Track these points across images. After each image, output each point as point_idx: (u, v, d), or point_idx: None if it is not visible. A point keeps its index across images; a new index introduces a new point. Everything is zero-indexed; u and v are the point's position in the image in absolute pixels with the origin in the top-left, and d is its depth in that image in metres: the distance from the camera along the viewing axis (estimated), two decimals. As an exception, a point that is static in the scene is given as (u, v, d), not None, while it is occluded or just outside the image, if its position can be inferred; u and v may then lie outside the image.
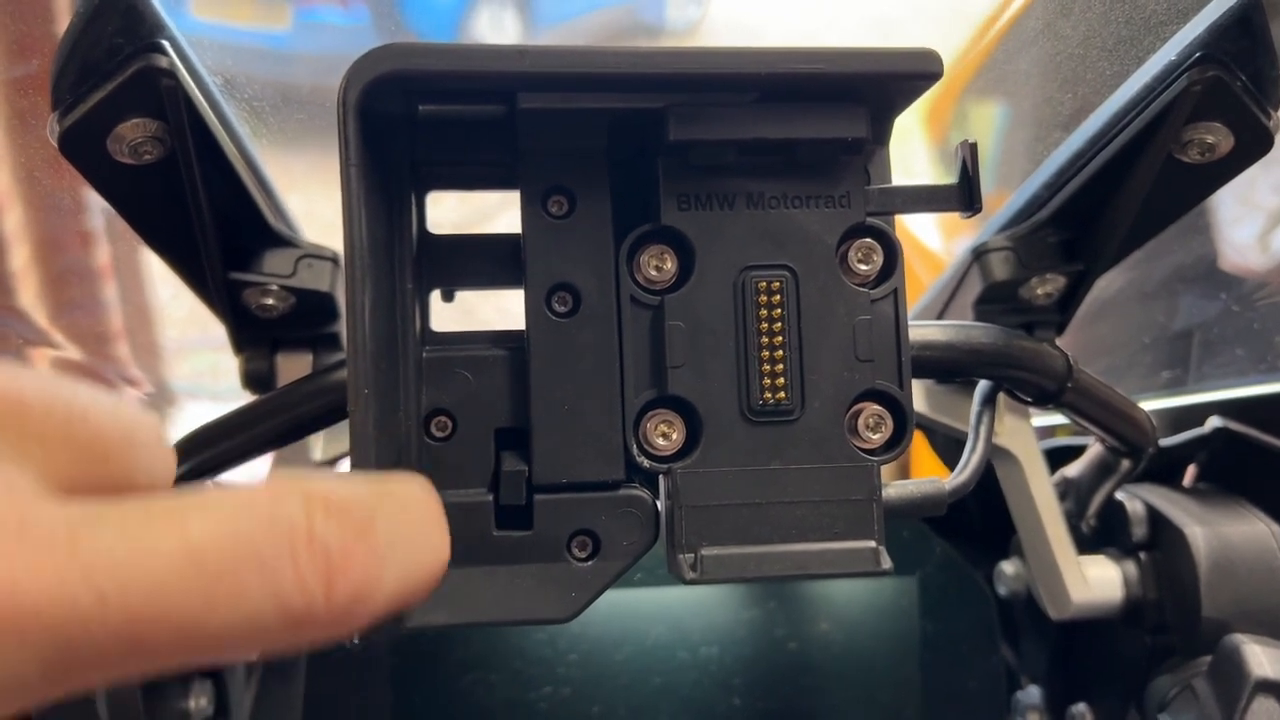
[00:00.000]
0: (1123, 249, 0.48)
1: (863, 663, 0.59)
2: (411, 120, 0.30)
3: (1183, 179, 0.44)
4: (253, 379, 0.48)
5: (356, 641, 0.26)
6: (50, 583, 0.16)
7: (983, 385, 0.44)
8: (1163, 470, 0.55)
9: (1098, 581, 0.51)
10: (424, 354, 0.30)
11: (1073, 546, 0.51)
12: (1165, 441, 0.55)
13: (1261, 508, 0.51)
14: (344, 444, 0.49)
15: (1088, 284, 0.49)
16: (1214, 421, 0.55)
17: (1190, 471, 0.57)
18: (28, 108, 0.50)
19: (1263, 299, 0.73)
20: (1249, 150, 0.42)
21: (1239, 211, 0.77)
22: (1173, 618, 0.50)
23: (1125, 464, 0.52)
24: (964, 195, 0.31)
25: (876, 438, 0.31)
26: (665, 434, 0.30)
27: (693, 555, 0.30)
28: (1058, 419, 0.66)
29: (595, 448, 0.30)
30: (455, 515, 0.28)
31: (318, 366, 0.48)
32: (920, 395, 0.51)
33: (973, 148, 0.31)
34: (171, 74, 0.35)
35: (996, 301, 0.50)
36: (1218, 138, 0.42)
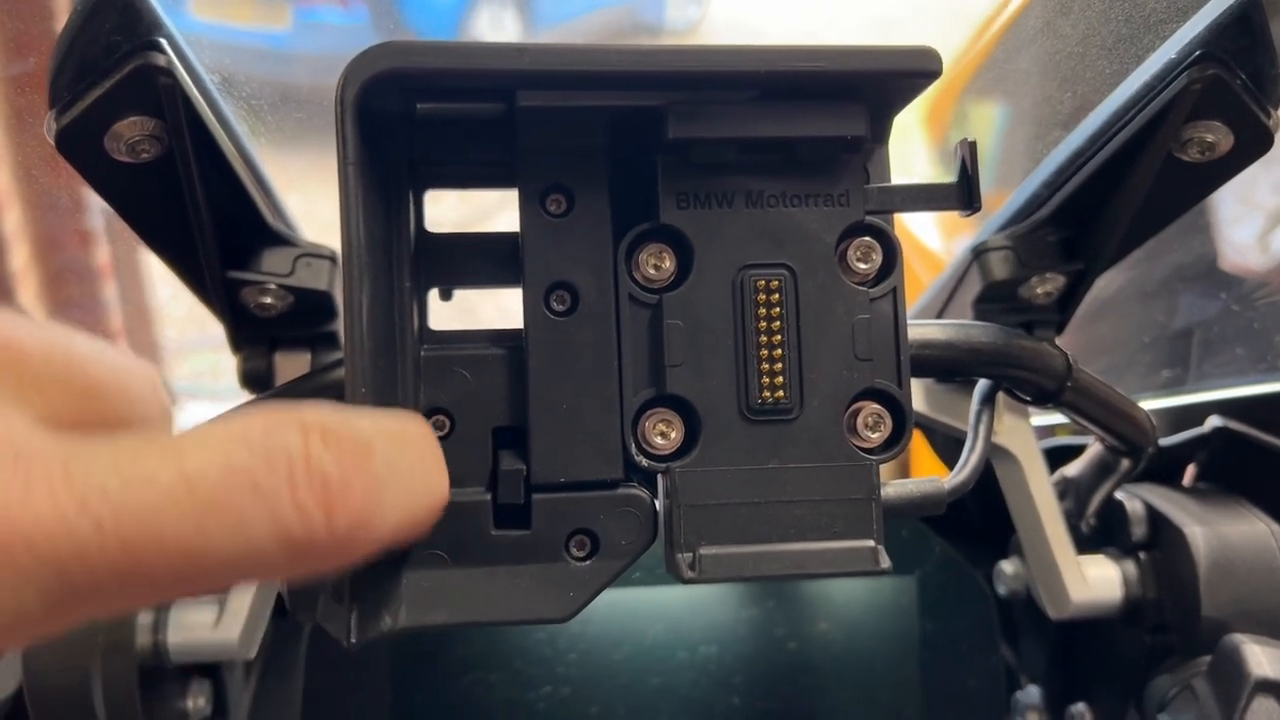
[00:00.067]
0: (1122, 248, 0.48)
1: (862, 662, 0.59)
2: (410, 118, 0.30)
3: (1182, 178, 0.44)
4: (251, 378, 0.48)
5: (354, 641, 0.26)
6: (46, 512, 0.16)
7: (982, 384, 0.44)
8: (1162, 470, 0.55)
9: (1097, 581, 0.51)
10: (422, 353, 0.30)
11: (1072, 546, 0.51)
12: (1165, 441, 0.55)
13: (1261, 507, 0.51)
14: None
15: (1087, 283, 0.48)
16: (1214, 421, 0.55)
17: (1190, 471, 0.57)
18: (25, 106, 0.50)
19: (1262, 298, 0.73)
20: (1249, 149, 0.42)
21: (1239, 211, 0.77)
22: (1172, 617, 0.50)
23: (1125, 463, 0.52)
24: (963, 194, 0.31)
25: (875, 437, 0.31)
26: (664, 433, 0.30)
27: (691, 554, 0.30)
28: (1057, 418, 0.66)
29: (594, 447, 0.30)
30: (453, 514, 0.28)
31: (316, 365, 0.48)
32: (920, 394, 0.51)
33: (972, 146, 0.31)
34: (169, 72, 0.35)
35: (996, 300, 0.50)
36: (1217, 136, 0.42)
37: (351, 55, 0.26)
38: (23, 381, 0.18)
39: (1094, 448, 0.54)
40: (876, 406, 0.31)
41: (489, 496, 0.30)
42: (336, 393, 0.40)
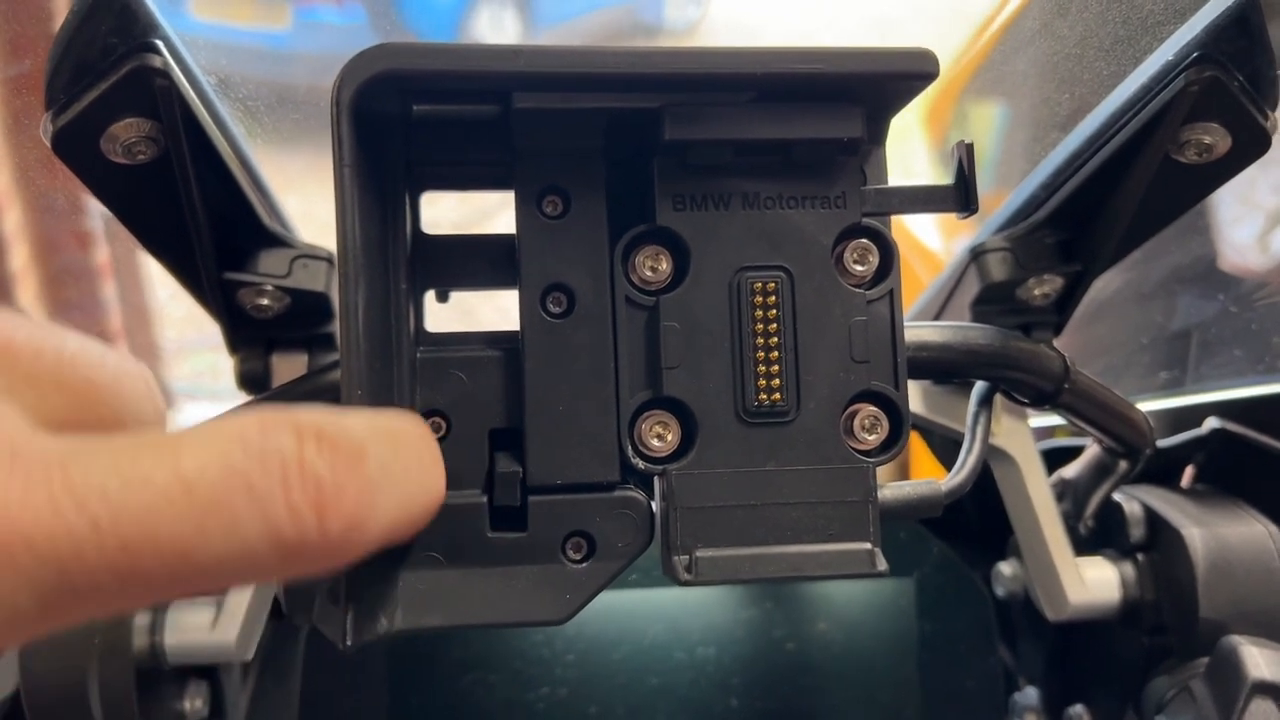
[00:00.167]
0: (1120, 250, 0.48)
1: (861, 663, 0.59)
2: (406, 120, 0.30)
3: (1180, 179, 0.44)
4: (248, 379, 0.48)
5: (350, 643, 0.26)
6: (44, 512, 0.16)
7: (980, 386, 0.44)
8: (1160, 471, 0.55)
9: (1095, 583, 0.51)
10: (418, 354, 0.30)
11: (1070, 548, 0.51)
12: (1163, 442, 0.55)
13: (1259, 509, 0.51)
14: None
15: (1085, 285, 0.48)
16: (1212, 422, 0.55)
17: (1188, 472, 0.57)
18: (22, 107, 0.50)
19: (1261, 299, 0.73)
20: (1246, 150, 0.42)
21: (1238, 211, 0.77)
22: (1170, 619, 0.50)
23: (1123, 465, 0.52)
24: (960, 196, 0.31)
25: (872, 439, 0.31)
26: (660, 435, 0.30)
27: (688, 557, 0.30)
28: (1055, 420, 0.66)
29: (590, 449, 0.30)
30: (449, 516, 0.28)
31: (313, 367, 0.48)
32: (917, 396, 0.51)
33: (969, 148, 0.31)
34: (165, 74, 0.35)
35: (994, 302, 0.50)
36: (1215, 138, 0.42)
37: (349, 56, 0.26)
38: (19, 382, 0.19)
39: (1092, 449, 0.54)
40: (873, 408, 0.31)
41: (485, 498, 0.30)
42: (333, 394, 0.40)
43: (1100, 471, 0.53)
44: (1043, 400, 0.44)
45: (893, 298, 0.31)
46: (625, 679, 0.57)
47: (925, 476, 0.36)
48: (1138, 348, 0.81)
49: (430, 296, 0.33)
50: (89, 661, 0.43)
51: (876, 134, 0.31)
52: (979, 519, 0.64)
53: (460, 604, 0.29)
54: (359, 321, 0.26)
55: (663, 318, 0.30)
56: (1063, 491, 0.55)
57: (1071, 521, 0.54)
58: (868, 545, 0.30)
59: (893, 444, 0.31)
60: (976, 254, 0.49)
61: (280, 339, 0.48)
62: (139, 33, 0.35)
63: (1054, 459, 0.58)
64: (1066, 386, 0.43)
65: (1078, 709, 0.56)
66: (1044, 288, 0.49)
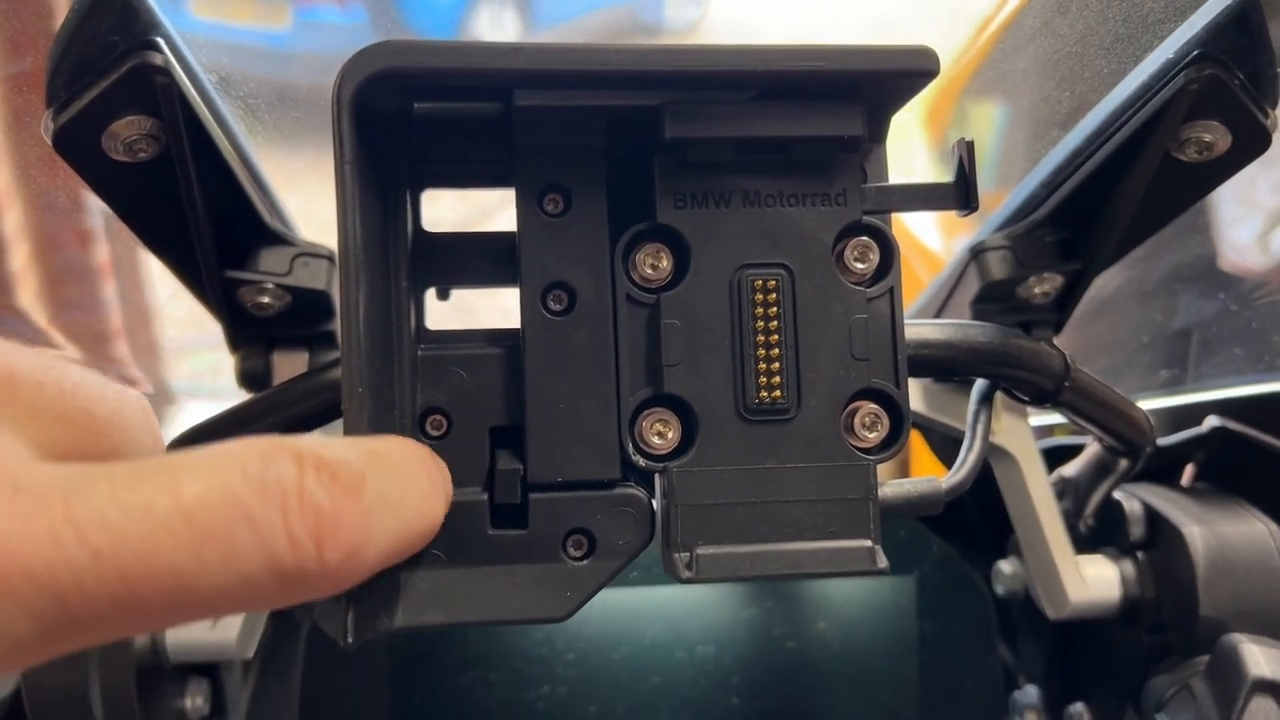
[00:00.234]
0: (1120, 248, 0.48)
1: (861, 662, 0.59)
2: (407, 118, 0.30)
3: (1180, 178, 0.44)
4: (248, 377, 0.48)
5: (351, 641, 0.26)
6: (44, 541, 0.16)
7: (980, 384, 0.44)
8: (1161, 470, 0.55)
9: (1095, 581, 0.51)
10: (419, 352, 0.30)
11: (1070, 546, 0.51)
12: (1163, 441, 0.55)
13: (1259, 507, 0.51)
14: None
15: (1085, 283, 0.48)
16: (1212, 421, 0.55)
17: (1188, 471, 0.57)
18: (23, 105, 0.50)
19: (1261, 298, 0.73)
20: (1247, 149, 0.42)
21: (1239, 211, 0.77)
22: (1170, 617, 0.50)
23: (1123, 463, 0.52)
24: (960, 193, 0.31)
25: (873, 436, 0.31)
26: (661, 433, 0.30)
27: (688, 554, 0.30)
28: (1056, 418, 0.66)
29: (591, 446, 0.30)
30: (450, 514, 0.28)
31: (314, 365, 0.48)
32: (918, 394, 0.51)
33: (969, 146, 0.31)
34: (166, 71, 0.35)
35: (994, 300, 0.50)
36: (1215, 136, 0.42)
37: (350, 55, 0.26)
38: (19, 411, 0.19)
39: (1092, 448, 0.54)
40: (874, 406, 0.31)
41: (486, 496, 0.30)
42: (334, 392, 0.40)
43: (1100, 470, 0.53)
44: (1043, 398, 0.44)
45: (893, 295, 0.31)
46: (625, 678, 0.57)
47: (925, 474, 0.36)
48: (1138, 346, 0.81)
49: (431, 294, 0.33)
50: (90, 660, 0.43)
51: (877, 132, 0.31)
52: (979, 517, 0.64)
53: (461, 602, 0.29)
54: (360, 319, 0.27)
55: (663, 315, 0.30)
56: (1063, 490, 0.55)
57: (1072, 520, 0.54)
58: (868, 543, 0.30)
59: (893, 442, 0.31)
60: (977, 252, 0.49)
61: (281, 337, 0.48)
62: (140, 30, 0.35)
63: (1054, 457, 0.58)
64: (1067, 384, 0.43)
65: (1078, 707, 0.56)
66: (1044, 286, 0.49)
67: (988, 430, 0.42)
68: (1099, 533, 0.54)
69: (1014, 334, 0.42)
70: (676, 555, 0.30)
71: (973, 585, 0.60)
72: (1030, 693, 0.60)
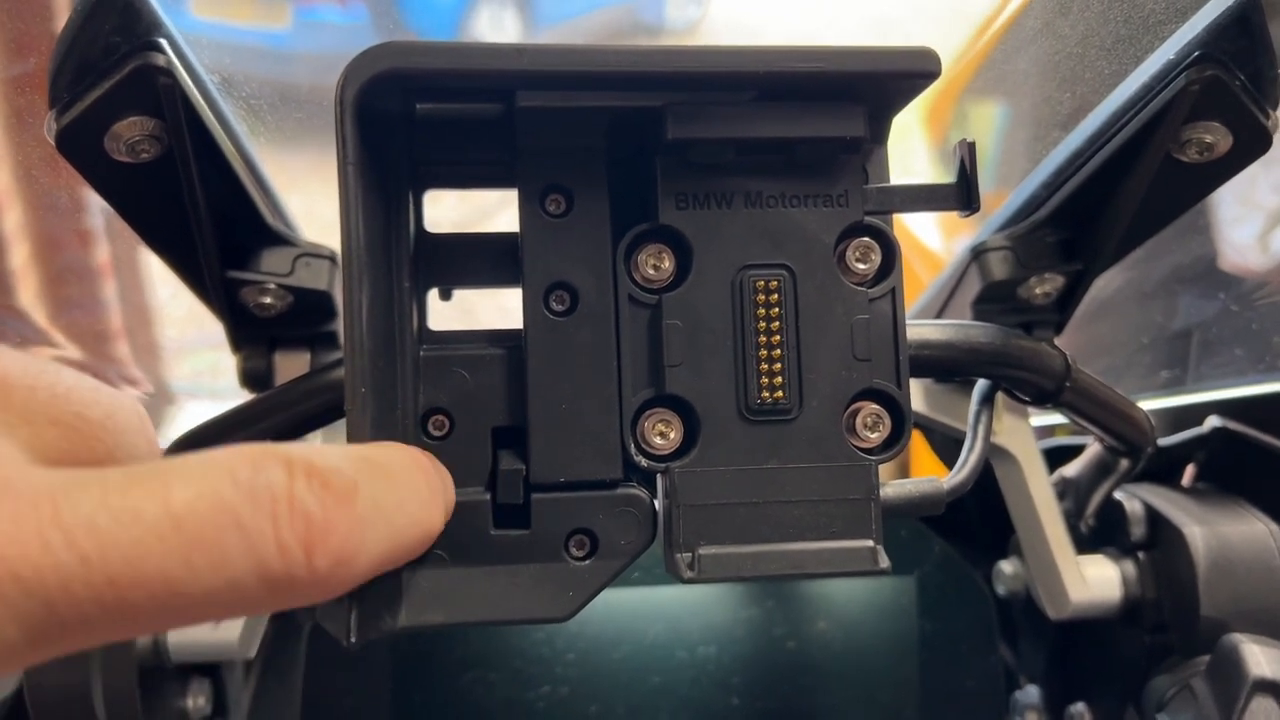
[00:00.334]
0: (1121, 248, 0.48)
1: (861, 662, 0.59)
2: (409, 119, 0.30)
3: (1181, 178, 0.44)
4: (250, 377, 0.48)
5: (353, 640, 0.26)
6: (33, 545, 0.16)
7: (981, 384, 0.44)
8: (1161, 470, 0.55)
9: (1096, 581, 0.51)
10: (421, 353, 0.30)
11: (1071, 546, 0.51)
12: (1164, 441, 0.55)
13: (1260, 507, 0.51)
14: (342, 442, 0.48)
15: (1086, 283, 0.48)
16: (1212, 421, 0.55)
17: (1189, 471, 0.57)
18: (25, 106, 0.50)
19: (1262, 299, 0.73)
20: (1247, 150, 0.42)
21: (1239, 211, 0.77)
22: (1171, 617, 0.50)
23: (1124, 464, 0.52)
24: (962, 194, 0.31)
25: (874, 437, 0.31)
26: (663, 433, 0.30)
27: (690, 554, 0.30)
28: (1056, 418, 0.66)
29: (593, 447, 0.30)
30: (452, 514, 0.28)
31: (315, 365, 0.48)
32: (919, 394, 0.51)
33: (971, 147, 0.31)
34: (169, 72, 0.35)
35: (995, 301, 0.50)
36: (1216, 137, 0.42)
37: (351, 55, 0.26)
38: (11, 415, 0.19)
39: (1093, 448, 0.54)
40: (875, 406, 0.31)
41: (488, 496, 0.30)
42: (336, 392, 0.40)
43: (1101, 470, 0.53)
44: (1044, 399, 0.44)
45: (895, 296, 0.31)
46: (626, 678, 0.57)
47: (926, 475, 0.36)
48: (1139, 347, 0.81)
49: (433, 295, 0.33)
50: (92, 659, 0.43)
51: (878, 133, 0.32)
52: (980, 517, 0.64)
53: (463, 601, 0.29)
54: (363, 320, 0.27)
55: (665, 316, 0.30)
56: (1064, 490, 0.55)
57: (1073, 520, 0.54)
58: (870, 543, 0.30)
59: (895, 442, 0.31)
60: (978, 253, 0.49)
61: (283, 337, 0.48)
62: (142, 31, 0.35)
63: (1055, 457, 0.58)
64: (1068, 385, 0.43)
65: (1079, 707, 0.56)
66: (1045, 286, 0.49)
67: (989, 430, 0.42)
68: (1100, 533, 0.54)
69: (1015, 334, 0.43)
70: (678, 555, 0.30)
71: (974, 585, 0.60)
72: (1031, 693, 0.60)
